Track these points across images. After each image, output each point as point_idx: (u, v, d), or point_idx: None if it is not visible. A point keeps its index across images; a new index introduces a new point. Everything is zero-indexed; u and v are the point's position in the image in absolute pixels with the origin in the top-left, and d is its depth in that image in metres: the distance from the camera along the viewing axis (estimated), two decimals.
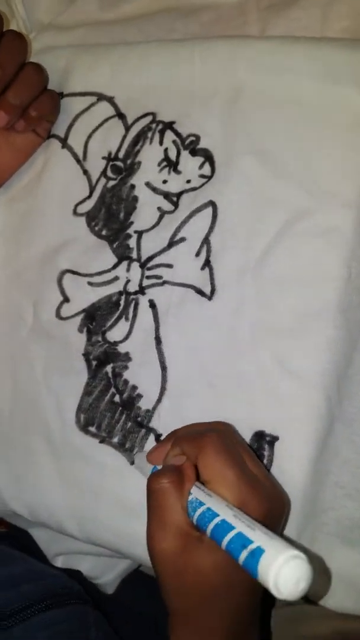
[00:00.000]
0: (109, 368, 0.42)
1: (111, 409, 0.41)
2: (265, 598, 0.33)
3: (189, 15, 0.46)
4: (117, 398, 0.41)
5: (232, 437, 0.34)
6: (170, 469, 0.32)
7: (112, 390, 0.42)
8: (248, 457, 0.33)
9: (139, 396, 0.41)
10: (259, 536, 0.26)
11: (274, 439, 0.37)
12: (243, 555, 0.26)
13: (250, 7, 0.43)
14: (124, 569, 0.46)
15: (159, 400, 0.40)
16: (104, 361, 0.42)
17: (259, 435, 0.37)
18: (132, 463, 0.40)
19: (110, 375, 0.42)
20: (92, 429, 0.41)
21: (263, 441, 0.37)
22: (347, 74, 0.37)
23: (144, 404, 0.40)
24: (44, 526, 0.43)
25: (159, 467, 0.35)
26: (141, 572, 0.49)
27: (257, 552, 0.26)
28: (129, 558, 0.41)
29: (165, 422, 0.40)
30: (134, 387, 0.41)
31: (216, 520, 0.28)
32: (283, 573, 0.25)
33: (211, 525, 0.29)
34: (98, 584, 0.46)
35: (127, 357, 0.41)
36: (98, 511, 0.40)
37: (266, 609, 0.47)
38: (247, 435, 0.37)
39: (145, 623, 0.46)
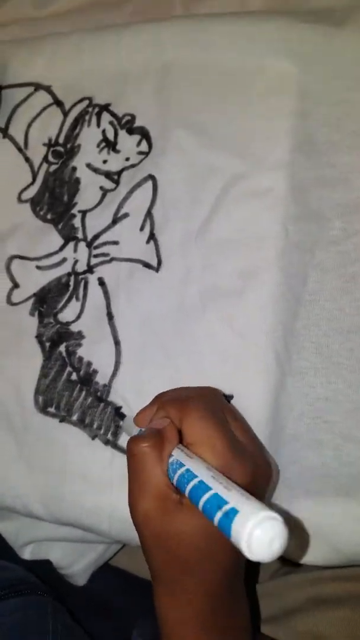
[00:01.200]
0: (62, 347, 0.42)
1: (69, 387, 0.41)
2: (249, 576, 0.33)
3: (116, 7, 0.47)
4: (74, 376, 0.42)
5: (218, 401, 0.34)
6: (151, 432, 0.31)
7: (69, 369, 0.42)
8: (234, 422, 0.33)
9: (95, 372, 0.41)
10: (234, 497, 0.25)
11: (229, 397, 0.38)
12: (217, 516, 0.25)
13: None
14: (94, 559, 0.45)
15: (114, 375, 0.40)
16: (57, 341, 0.42)
17: None
18: (94, 438, 0.40)
19: (64, 354, 0.42)
20: (51, 409, 0.42)
21: None
22: (264, 44, 0.40)
23: (101, 379, 0.41)
24: (9, 510, 0.42)
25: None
26: (111, 565, 0.48)
27: (231, 513, 0.25)
28: (96, 533, 0.41)
29: (123, 395, 0.40)
30: (89, 364, 0.41)
31: (194, 481, 0.28)
32: (256, 534, 0.23)
33: (189, 487, 0.28)
34: (68, 575, 0.45)
35: (80, 335, 0.42)
36: (63, 489, 0.40)
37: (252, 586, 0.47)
38: None
39: (116, 616, 0.46)
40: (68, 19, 0.49)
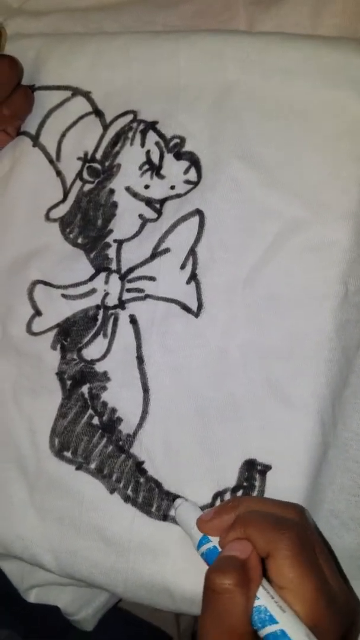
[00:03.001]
0: (85, 389, 0.38)
1: (88, 432, 0.38)
2: None
3: (170, 6, 0.43)
4: (95, 420, 0.38)
5: (308, 532, 0.29)
6: (234, 566, 0.27)
7: (90, 411, 0.38)
8: (323, 558, 0.29)
9: (119, 419, 0.37)
10: None
11: (266, 468, 0.34)
12: None
13: (236, 1, 0.40)
14: (102, 603, 0.43)
15: (140, 425, 0.37)
16: (80, 381, 0.38)
17: (250, 464, 0.35)
18: (112, 492, 0.37)
19: (86, 396, 0.38)
20: (68, 454, 0.38)
21: (254, 470, 0.35)
22: (344, 77, 0.35)
23: (125, 428, 0.37)
24: (17, 559, 0.40)
25: (213, 538, 0.31)
26: (119, 609, 0.45)
27: None
28: (109, 592, 0.38)
29: (147, 448, 0.37)
30: (114, 410, 0.38)
31: None
32: None
33: None
34: (75, 621, 0.43)
35: (105, 376, 0.38)
36: (77, 544, 0.37)
37: None
38: (236, 464, 0.35)
39: None
40: (113, 13, 0.44)
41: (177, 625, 0.48)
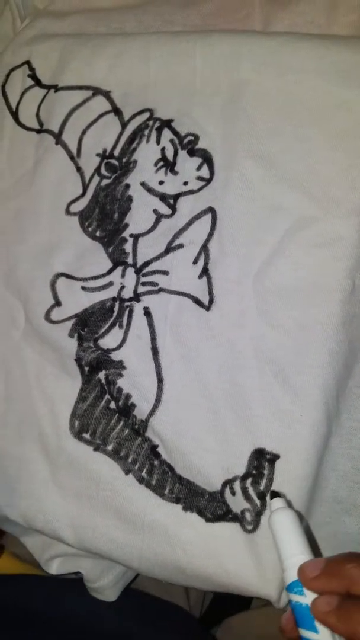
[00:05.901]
0: (101, 375, 0.40)
1: (106, 415, 0.40)
2: None
3: (189, 5, 0.43)
4: (112, 405, 0.40)
5: None
6: None
7: (107, 396, 0.41)
8: None
9: (133, 405, 0.40)
10: None
11: (275, 457, 0.36)
12: None
13: None
14: (122, 570, 0.44)
15: (152, 412, 0.39)
16: (96, 367, 0.40)
17: (259, 453, 0.36)
18: (127, 473, 0.39)
19: (103, 382, 0.40)
20: (87, 435, 0.41)
21: (263, 459, 0.36)
22: (355, 75, 0.35)
23: (138, 414, 0.39)
24: (38, 532, 0.42)
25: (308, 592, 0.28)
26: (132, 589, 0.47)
27: None
28: (125, 566, 0.41)
29: (159, 433, 0.39)
30: (128, 396, 0.40)
31: None
32: None
33: None
34: (97, 590, 0.44)
35: (121, 365, 0.40)
36: (94, 521, 0.39)
37: None
38: (245, 453, 0.36)
39: None
40: (133, 13, 0.45)
41: (187, 598, 0.50)
